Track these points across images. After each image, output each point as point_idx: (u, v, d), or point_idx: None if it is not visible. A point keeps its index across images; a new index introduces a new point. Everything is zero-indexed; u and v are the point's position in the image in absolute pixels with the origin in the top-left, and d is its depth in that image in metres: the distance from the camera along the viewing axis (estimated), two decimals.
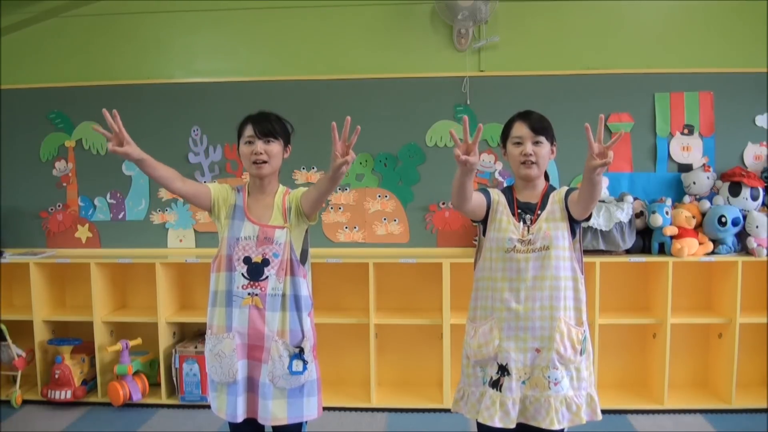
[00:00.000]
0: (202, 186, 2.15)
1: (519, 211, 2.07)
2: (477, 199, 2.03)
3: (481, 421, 2.02)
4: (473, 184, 1.91)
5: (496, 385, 2.01)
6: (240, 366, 2.08)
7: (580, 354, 2.02)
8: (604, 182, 3.48)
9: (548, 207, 2.05)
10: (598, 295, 3.22)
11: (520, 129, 2.04)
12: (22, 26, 3.76)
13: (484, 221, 2.10)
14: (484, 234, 2.12)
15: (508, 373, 2.00)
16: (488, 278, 2.07)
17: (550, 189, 2.10)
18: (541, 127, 2.03)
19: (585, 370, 2.05)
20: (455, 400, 2.17)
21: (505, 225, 2.04)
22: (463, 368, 2.16)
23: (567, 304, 2.01)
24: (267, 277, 2.08)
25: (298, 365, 2.08)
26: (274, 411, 2.07)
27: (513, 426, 1.98)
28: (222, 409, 2.10)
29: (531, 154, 2.01)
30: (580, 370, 2.03)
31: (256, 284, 2.08)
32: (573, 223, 2.03)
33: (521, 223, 2.04)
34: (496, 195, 2.12)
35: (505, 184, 3.19)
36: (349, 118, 1.87)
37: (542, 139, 2.02)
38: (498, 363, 2.02)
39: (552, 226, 2.01)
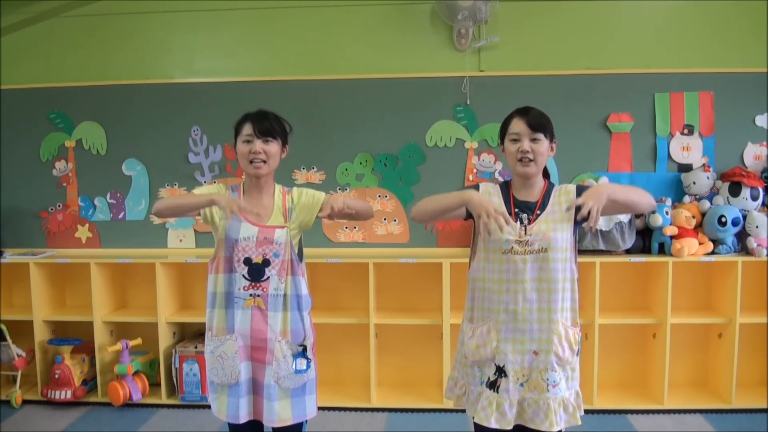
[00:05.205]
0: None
1: (516, 210, 2.01)
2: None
3: (477, 421, 2.00)
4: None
5: (493, 386, 1.99)
6: (243, 368, 2.07)
7: (576, 354, 2.02)
8: (604, 181, 3.47)
9: (549, 207, 2.00)
10: (598, 295, 3.22)
11: (518, 125, 1.98)
12: (22, 26, 3.76)
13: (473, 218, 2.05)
14: (477, 233, 2.07)
15: (506, 375, 1.98)
16: (485, 279, 2.02)
17: (550, 187, 2.05)
18: (539, 123, 1.97)
19: (577, 369, 2.06)
20: (457, 396, 2.14)
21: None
22: (459, 365, 2.14)
23: (564, 306, 1.98)
24: (268, 278, 2.07)
25: (302, 363, 2.09)
26: (280, 412, 2.07)
27: (509, 427, 1.97)
28: (222, 411, 2.09)
29: (528, 152, 1.95)
30: (575, 369, 2.04)
31: (258, 285, 2.07)
32: (575, 224, 1.99)
33: (518, 222, 1.98)
34: (487, 189, 2.07)
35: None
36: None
37: (540, 136, 1.97)
38: (495, 364, 2.00)
39: (552, 227, 1.96)
